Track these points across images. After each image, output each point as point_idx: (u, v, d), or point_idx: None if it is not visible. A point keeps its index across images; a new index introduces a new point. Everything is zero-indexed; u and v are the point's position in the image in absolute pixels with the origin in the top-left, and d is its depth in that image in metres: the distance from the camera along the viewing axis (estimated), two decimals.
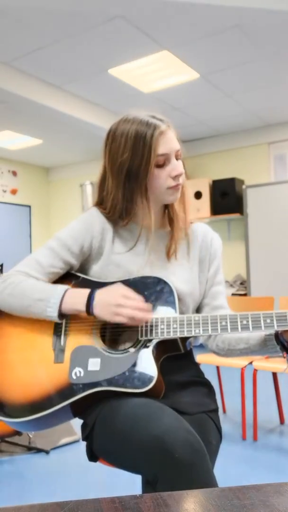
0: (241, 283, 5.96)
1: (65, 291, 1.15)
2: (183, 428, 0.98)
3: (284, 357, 1.16)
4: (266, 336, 1.18)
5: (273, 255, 5.39)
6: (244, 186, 5.67)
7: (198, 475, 0.92)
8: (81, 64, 4.12)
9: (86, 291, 1.15)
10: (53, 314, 1.14)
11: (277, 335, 1.16)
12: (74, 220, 1.28)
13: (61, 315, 1.15)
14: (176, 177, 1.19)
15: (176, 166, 1.19)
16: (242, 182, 5.99)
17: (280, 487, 0.71)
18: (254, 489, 0.70)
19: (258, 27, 3.50)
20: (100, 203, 1.28)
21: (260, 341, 1.19)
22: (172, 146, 1.18)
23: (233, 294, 5.75)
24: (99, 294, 1.14)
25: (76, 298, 1.14)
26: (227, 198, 5.87)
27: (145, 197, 1.19)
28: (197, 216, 5.94)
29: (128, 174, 1.18)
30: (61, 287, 1.16)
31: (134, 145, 1.15)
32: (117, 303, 1.10)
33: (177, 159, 1.21)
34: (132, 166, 1.16)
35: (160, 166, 1.18)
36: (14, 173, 7.30)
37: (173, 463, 0.92)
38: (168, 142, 1.17)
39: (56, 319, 1.14)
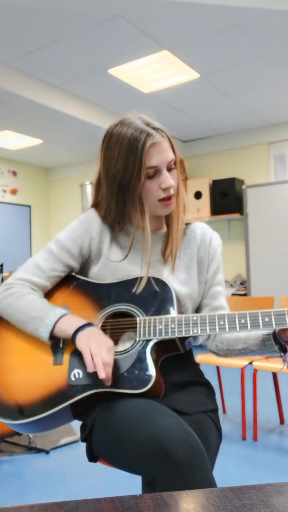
0: (241, 283, 5.96)
1: (62, 316, 1.14)
2: (182, 429, 0.98)
3: (281, 357, 1.16)
4: (264, 336, 1.17)
5: (273, 255, 5.39)
6: (244, 186, 5.67)
7: (196, 476, 0.92)
8: (81, 64, 4.12)
9: (82, 322, 1.13)
10: (44, 335, 1.14)
11: (275, 335, 1.15)
12: (73, 221, 1.28)
13: (52, 337, 1.14)
14: (166, 190, 1.18)
15: (166, 179, 1.17)
16: (242, 182, 5.99)
17: (280, 487, 0.71)
18: (254, 489, 0.70)
19: (258, 27, 3.50)
20: (96, 205, 1.28)
21: (258, 340, 1.19)
22: (163, 158, 1.16)
23: (233, 294, 5.75)
24: (91, 328, 1.12)
25: (68, 326, 1.13)
26: (227, 198, 5.87)
27: (139, 208, 1.18)
28: (197, 216, 5.94)
29: (120, 185, 1.17)
30: (60, 310, 1.16)
31: (126, 156, 1.14)
32: (97, 342, 1.08)
33: (170, 169, 1.19)
34: (124, 178, 1.16)
35: (151, 177, 1.17)
36: (14, 173, 7.30)
37: (171, 464, 0.92)
38: (159, 154, 1.15)
39: (46, 340, 1.14)
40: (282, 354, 1.15)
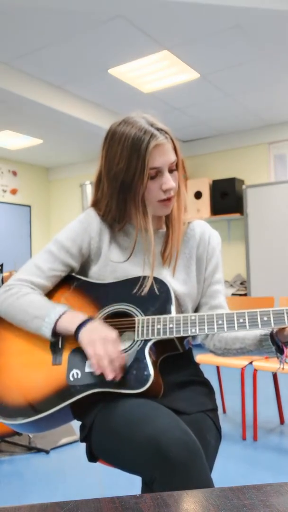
0: (241, 283, 5.96)
1: (63, 313, 1.14)
2: (179, 428, 0.98)
3: (278, 358, 1.15)
4: (262, 336, 1.17)
5: (273, 255, 5.39)
6: (244, 186, 5.67)
7: (193, 476, 0.92)
8: (81, 64, 4.12)
9: (83, 317, 1.14)
10: (46, 334, 1.14)
11: (272, 335, 1.15)
12: (72, 221, 1.28)
13: (55, 334, 1.15)
14: (166, 191, 1.18)
15: (167, 180, 1.17)
16: (242, 182, 5.99)
17: (280, 487, 0.71)
18: (254, 489, 0.70)
19: (258, 27, 3.50)
20: (96, 204, 1.28)
21: (255, 341, 1.18)
22: (166, 159, 1.16)
23: (233, 294, 5.75)
24: (92, 323, 1.12)
25: (70, 323, 1.13)
26: (227, 198, 5.87)
27: (141, 208, 1.18)
28: (197, 217, 5.92)
29: (122, 185, 1.17)
30: (60, 308, 1.16)
31: (129, 156, 1.14)
32: (101, 338, 1.08)
33: (171, 171, 1.19)
34: (126, 178, 1.15)
35: (152, 178, 1.16)
36: (14, 173, 7.30)
37: (168, 463, 0.92)
38: (162, 155, 1.15)
39: (49, 338, 1.15)
40: (279, 355, 1.15)
